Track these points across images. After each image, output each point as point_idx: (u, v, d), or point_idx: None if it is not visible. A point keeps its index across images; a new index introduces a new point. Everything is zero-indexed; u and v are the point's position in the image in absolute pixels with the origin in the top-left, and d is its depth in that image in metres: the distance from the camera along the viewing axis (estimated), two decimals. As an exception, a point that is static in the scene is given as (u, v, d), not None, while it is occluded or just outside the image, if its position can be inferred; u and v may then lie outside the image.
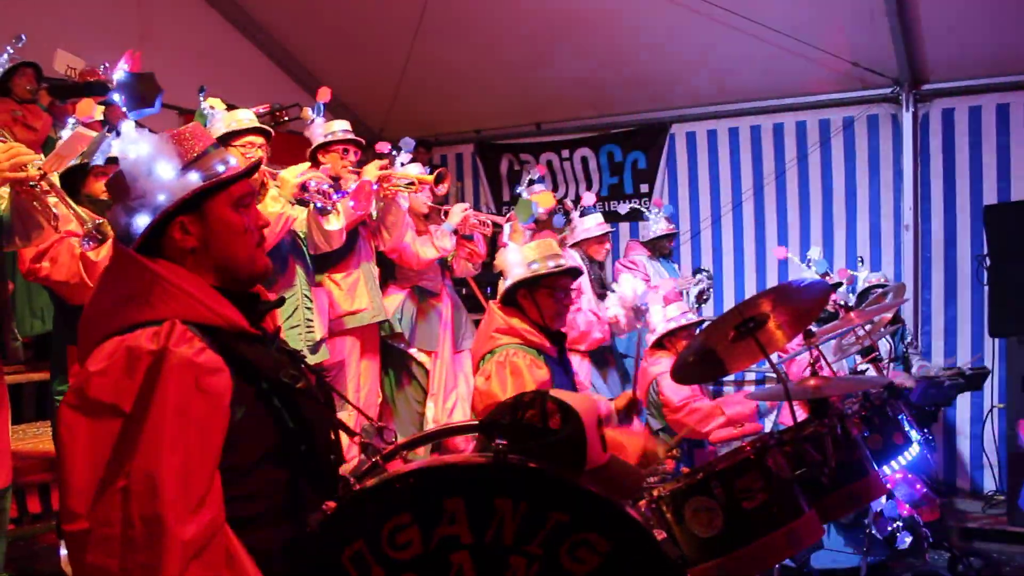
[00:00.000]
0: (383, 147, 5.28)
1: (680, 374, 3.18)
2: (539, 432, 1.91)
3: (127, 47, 6.81)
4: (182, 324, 1.78)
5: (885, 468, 3.86)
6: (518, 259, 3.64)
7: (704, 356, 3.04)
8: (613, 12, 7.10)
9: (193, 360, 1.74)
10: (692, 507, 2.65)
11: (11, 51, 5.61)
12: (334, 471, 2.05)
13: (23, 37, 5.53)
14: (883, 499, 4.50)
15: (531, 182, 6.12)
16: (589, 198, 6.79)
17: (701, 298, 6.69)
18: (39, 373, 5.13)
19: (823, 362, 3.97)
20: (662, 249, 7.20)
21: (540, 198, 5.57)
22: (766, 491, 2.66)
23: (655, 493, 2.66)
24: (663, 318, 5.24)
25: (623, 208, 8.35)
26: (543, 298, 3.58)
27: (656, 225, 7.13)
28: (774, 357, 3.23)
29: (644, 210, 7.39)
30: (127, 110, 3.30)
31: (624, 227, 8.55)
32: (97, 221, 3.25)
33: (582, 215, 6.45)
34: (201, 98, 4.93)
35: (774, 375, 5.42)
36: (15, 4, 6.22)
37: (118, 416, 1.68)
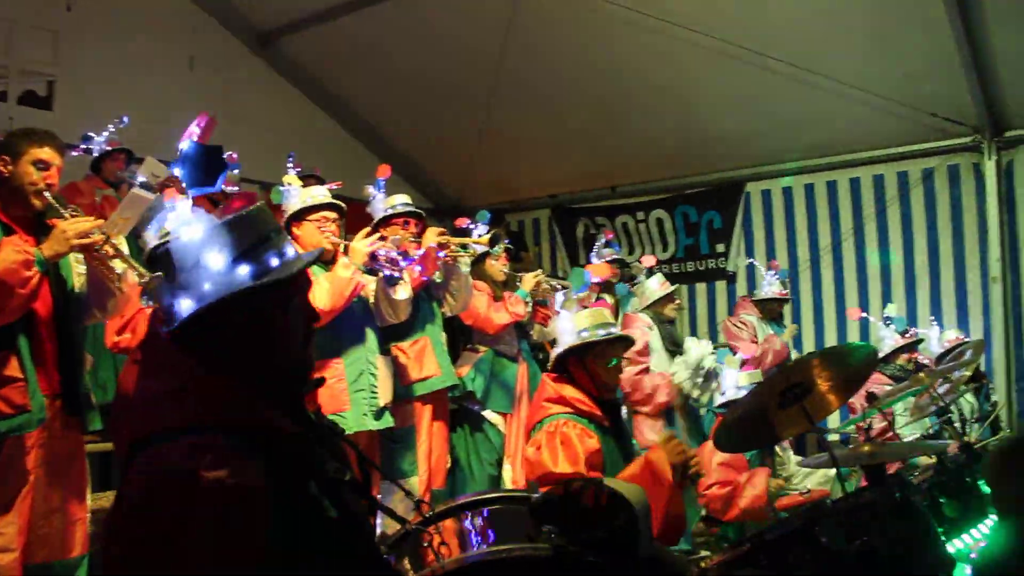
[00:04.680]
0: (462, 222, 5.42)
1: (723, 440, 3.11)
2: (592, 521, 1.91)
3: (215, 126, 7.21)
4: (221, 439, 1.67)
5: (965, 537, 3.67)
6: (569, 327, 3.65)
7: (752, 421, 2.97)
8: (683, 74, 7.15)
9: (225, 484, 1.62)
10: (740, 580, 2.59)
11: (112, 130, 5.95)
12: (377, 550, 2.04)
13: (125, 119, 5.86)
14: (968, 570, 4.27)
15: (601, 248, 6.18)
16: (649, 260, 6.81)
17: None
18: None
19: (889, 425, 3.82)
20: (772, 312, 7.13)
21: (595, 268, 5.60)
22: (816, 563, 2.58)
23: (703, 564, 2.61)
24: (734, 383, 5.12)
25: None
26: (594, 366, 3.56)
27: (770, 287, 7.07)
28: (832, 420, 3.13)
29: (759, 267, 7.36)
30: (187, 186, 3.39)
31: (701, 287, 8.52)
32: (157, 275, 3.41)
33: (647, 277, 6.50)
34: (290, 164, 5.09)
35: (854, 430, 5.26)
36: (103, 84, 6.66)
37: (156, 546, 1.60)
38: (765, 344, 6.85)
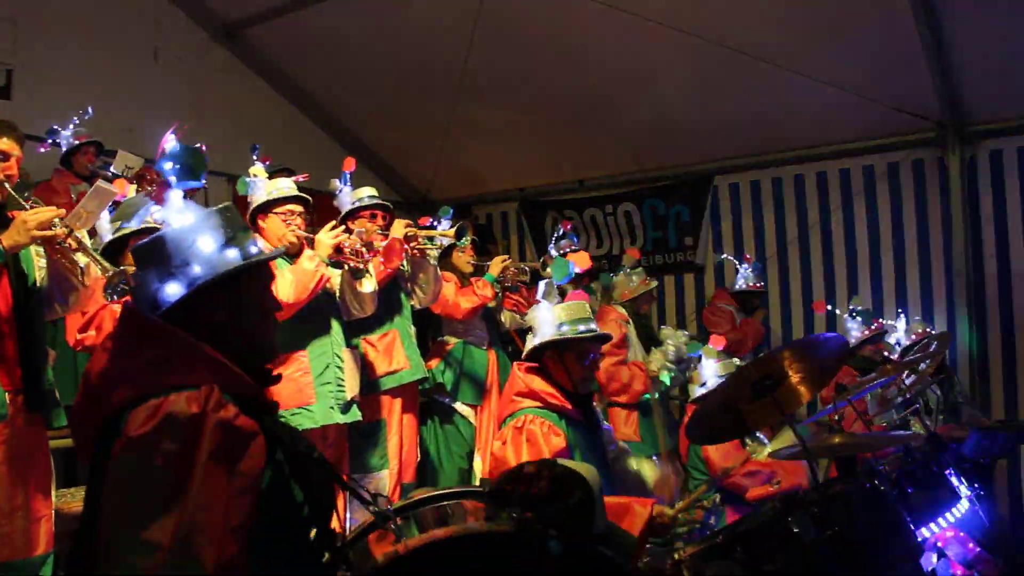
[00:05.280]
0: (425, 220, 5.39)
1: (695, 432, 3.11)
2: (547, 501, 1.94)
3: (180, 117, 7.13)
4: (218, 390, 1.79)
5: (932, 526, 3.71)
6: (549, 319, 3.62)
7: (724, 413, 2.97)
8: (651, 67, 7.13)
9: (232, 424, 1.77)
10: (713, 570, 2.59)
11: (77, 123, 5.85)
12: (334, 534, 2.07)
13: (90, 111, 5.76)
14: (934, 558, 4.32)
15: (559, 239, 6.17)
16: (635, 252, 6.86)
17: None
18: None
19: (860, 416, 3.85)
20: (747, 304, 7.19)
21: (577, 258, 5.59)
22: (788, 553, 2.59)
23: (676, 556, 2.61)
24: (713, 372, 5.12)
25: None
26: (571, 362, 3.54)
27: (744, 280, 7.16)
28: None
29: (734, 261, 7.40)
30: (175, 181, 3.42)
31: (670, 280, 8.56)
32: (120, 269, 3.36)
33: (632, 270, 6.53)
34: (254, 157, 5.02)
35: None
36: (70, 77, 6.53)
37: (158, 481, 1.68)
38: (744, 328, 6.94)
